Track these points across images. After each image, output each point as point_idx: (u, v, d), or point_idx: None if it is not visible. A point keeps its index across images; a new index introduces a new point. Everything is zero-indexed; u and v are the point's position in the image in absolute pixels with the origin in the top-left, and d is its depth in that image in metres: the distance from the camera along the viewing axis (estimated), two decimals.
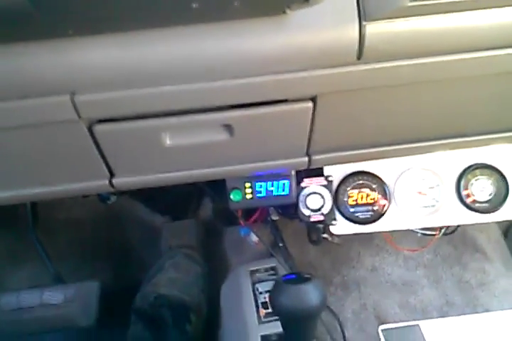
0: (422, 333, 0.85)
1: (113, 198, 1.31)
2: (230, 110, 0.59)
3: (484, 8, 0.52)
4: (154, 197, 1.37)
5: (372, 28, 0.51)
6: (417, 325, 0.85)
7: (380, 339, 0.85)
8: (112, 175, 0.67)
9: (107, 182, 0.67)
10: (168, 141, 0.61)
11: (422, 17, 0.52)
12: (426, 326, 0.86)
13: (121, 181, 0.67)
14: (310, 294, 0.62)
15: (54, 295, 1.19)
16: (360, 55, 0.53)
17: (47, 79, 0.50)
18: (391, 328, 0.85)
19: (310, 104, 0.60)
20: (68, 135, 0.58)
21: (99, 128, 0.57)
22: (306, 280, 0.64)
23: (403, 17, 0.51)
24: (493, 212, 0.88)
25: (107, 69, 0.50)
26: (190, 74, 0.51)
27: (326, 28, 0.51)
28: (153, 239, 1.34)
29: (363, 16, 0.51)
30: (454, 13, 0.52)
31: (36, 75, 0.49)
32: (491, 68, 0.60)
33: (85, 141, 0.58)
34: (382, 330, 0.84)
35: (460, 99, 0.65)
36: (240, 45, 0.50)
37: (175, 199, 1.40)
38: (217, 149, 0.66)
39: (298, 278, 0.65)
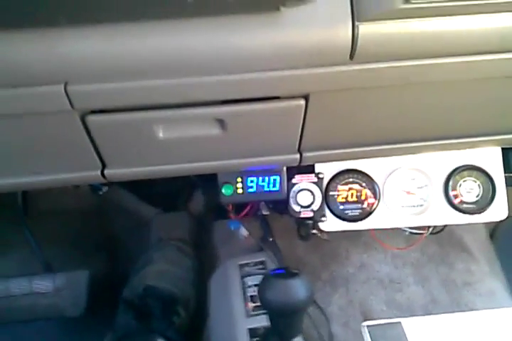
0: (403, 330, 0.86)
1: (105, 189, 1.31)
2: (223, 105, 0.60)
3: (476, 14, 0.53)
4: (145, 188, 1.37)
5: (365, 29, 0.52)
6: (399, 323, 0.86)
7: (363, 335, 0.86)
8: (104, 166, 0.67)
9: (99, 173, 0.67)
10: (161, 134, 0.62)
11: (415, 19, 0.52)
12: (408, 323, 0.87)
13: (113, 172, 0.68)
14: (297, 289, 0.63)
15: (44, 284, 1.19)
16: (352, 55, 0.54)
17: (40, 69, 0.50)
18: (374, 325, 0.86)
19: (302, 102, 0.60)
20: (61, 125, 0.58)
21: (92, 119, 0.57)
22: (294, 275, 0.65)
23: (396, 19, 0.52)
24: (479, 213, 0.89)
25: (100, 60, 0.50)
26: (183, 68, 0.52)
27: (320, 27, 0.51)
28: (143, 230, 1.35)
29: (356, 17, 0.51)
30: (446, 17, 0.53)
31: (29, 64, 0.49)
32: (481, 72, 0.60)
33: (78, 131, 0.58)
34: (365, 326, 0.86)
35: (450, 102, 0.66)
36: (233, 40, 0.50)
37: (166, 192, 1.40)
38: (210, 143, 0.66)
39: (286, 273, 0.66)
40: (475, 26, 0.54)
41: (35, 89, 0.51)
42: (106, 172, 0.67)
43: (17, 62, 0.49)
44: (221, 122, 0.62)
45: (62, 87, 0.52)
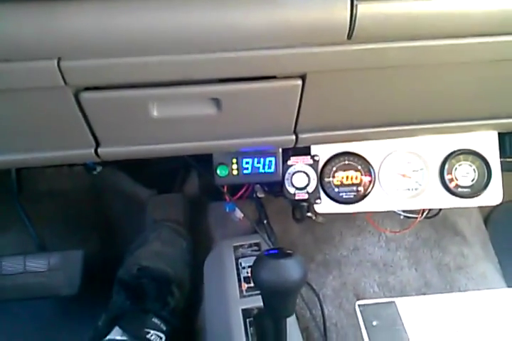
0: (397, 309, 0.87)
1: (99, 169, 1.31)
2: (218, 84, 0.59)
3: None
4: (140, 169, 1.37)
5: (363, 8, 0.51)
6: (393, 302, 0.87)
7: (356, 314, 0.87)
8: (97, 144, 0.66)
9: (92, 151, 0.67)
10: (155, 112, 0.61)
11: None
12: (402, 303, 0.88)
13: (106, 151, 0.67)
14: (291, 269, 0.63)
15: (38, 263, 1.19)
16: (350, 35, 0.53)
17: (33, 43, 0.49)
18: (367, 304, 0.87)
19: (299, 82, 0.60)
20: (54, 101, 0.57)
21: (85, 96, 0.57)
22: (288, 255, 0.65)
23: None
24: (474, 197, 0.89)
25: (94, 35, 0.49)
26: (178, 45, 0.51)
27: (318, 5, 0.50)
28: (138, 212, 1.35)
29: None
30: None
31: (22, 38, 0.48)
32: (480, 55, 0.60)
33: (71, 108, 0.58)
34: (359, 305, 0.86)
35: (446, 85, 0.65)
36: (230, 18, 0.49)
37: (161, 173, 1.40)
38: (205, 123, 0.66)
39: (280, 253, 0.66)
40: (476, 7, 0.53)
41: (28, 64, 0.51)
42: (99, 150, 0.67)
43: (9, 35, 0.48)
44: (216, 101, 0.61)
45: (56, 62, 0.51)
